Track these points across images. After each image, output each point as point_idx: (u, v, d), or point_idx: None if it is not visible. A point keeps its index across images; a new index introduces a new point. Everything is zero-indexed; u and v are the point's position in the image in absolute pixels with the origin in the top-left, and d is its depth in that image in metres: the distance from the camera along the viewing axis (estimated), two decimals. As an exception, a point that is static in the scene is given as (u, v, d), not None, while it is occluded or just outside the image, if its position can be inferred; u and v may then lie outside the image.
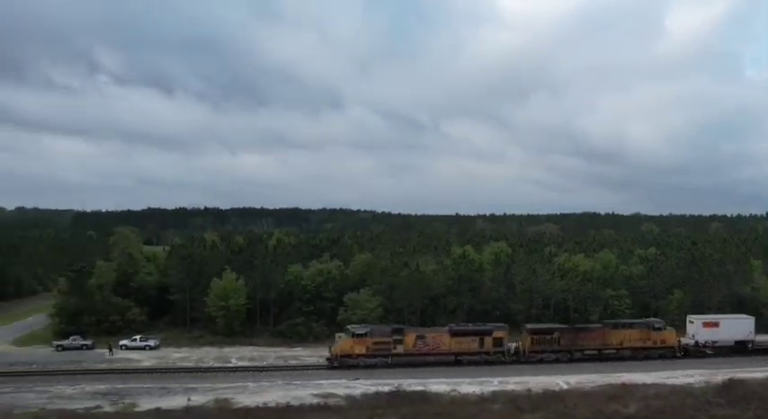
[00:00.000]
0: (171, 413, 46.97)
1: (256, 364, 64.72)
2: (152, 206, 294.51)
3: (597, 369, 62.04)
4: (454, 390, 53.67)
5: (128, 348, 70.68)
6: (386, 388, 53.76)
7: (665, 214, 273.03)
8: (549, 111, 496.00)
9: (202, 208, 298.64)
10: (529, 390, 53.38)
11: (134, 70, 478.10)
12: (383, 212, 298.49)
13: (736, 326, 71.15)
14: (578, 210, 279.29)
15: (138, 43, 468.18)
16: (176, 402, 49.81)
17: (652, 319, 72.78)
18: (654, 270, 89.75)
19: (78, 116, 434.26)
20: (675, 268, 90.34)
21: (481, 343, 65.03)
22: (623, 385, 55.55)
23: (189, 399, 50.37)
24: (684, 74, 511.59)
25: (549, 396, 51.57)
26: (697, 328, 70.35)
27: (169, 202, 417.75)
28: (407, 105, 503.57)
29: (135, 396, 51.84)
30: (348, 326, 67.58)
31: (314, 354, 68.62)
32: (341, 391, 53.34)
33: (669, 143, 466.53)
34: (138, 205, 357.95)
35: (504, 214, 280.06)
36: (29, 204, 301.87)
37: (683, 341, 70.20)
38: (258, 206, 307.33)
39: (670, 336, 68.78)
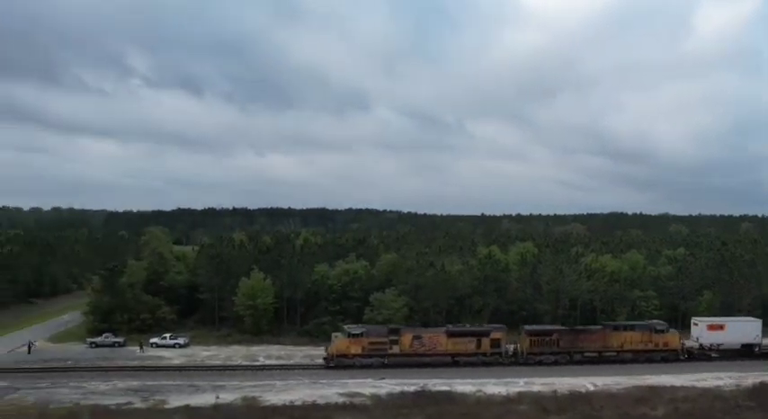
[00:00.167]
0: (200, 410, 47.37)
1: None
2: (182, 206, 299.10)
3: (625, 371, 61.06)
4: (480, 391, 53.30)
5: (158, 346, 71.57)
6: (411, 388, 53.62)
7: (694, 214, 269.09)
8: (574, 111, 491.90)
9: (231, 208, 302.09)
10: (555, 392, 52.78)
11: (164, 73, 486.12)
12: (409, 212, 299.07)
13: (743, 329, 69.11)
14: (605, 210, 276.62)
15: (168, 46, 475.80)
16: (205, 399, 50.26)
17: (654, 321, 70.75)
18: (683, 271, 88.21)
19: (111, 118, 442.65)
20: (705, 269, 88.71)
21: (478, 344, 64.11)
22: (651, 387, 54.64)
23: (217, 397, 50.81)
24: (712, 72, 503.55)
25: (576, 398, 50.95)
26: (701, 331, 68.72)
27: (198, 203, 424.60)
28: (433, 105, 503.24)
29: (165, 392, 52.46)
30: (344, 326, 67.35)
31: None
32: (367, 390, 53.33)
33: (697, 142, 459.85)
34: (168, 205, 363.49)
35: (531, 214, 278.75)
36: (64, 204, 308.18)
37: (688, 344, 68.58)
38: (285, 206, 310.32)
39: (673, 339, 66.97)
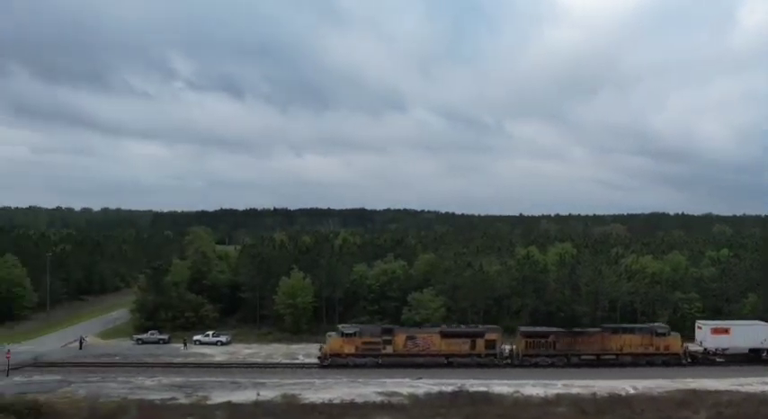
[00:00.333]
0: (241, 406, 47.99)
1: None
2: (224, 207, 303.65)
3: (666, 374, 59.57)
4: (517, 392, 52.67)
5: (201, 343, 72.84)
6: (449, 388, 53.30)
7: (738, 214, 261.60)
8: (614, 110, 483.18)
9: (272, 208, 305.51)
10: (594, 394, 51.79)
11: (206, 76, 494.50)
12: (447, 213, 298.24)
13: (749, 333, 66.31)
14: (646, 211, 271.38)
15: (209, 50, 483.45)
16: (246, 396, 50.89)
17: (656, 324, 68.64)
18: (726, 272, 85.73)
19: (156, 121, 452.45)
20: (749, 270, 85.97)
21: (473, 346, 63.10)
22: (694, 391, 53.19)
23: (258, 394, 51.43)
24: (757, 68, 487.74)
25: (615, 401, 49.94)
26: (705, 334, 66.35)
27: (240, 203, 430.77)
28: (470, 106, 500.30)
29: (208, 389, 53.32)
30: (338, 326, 67.17)
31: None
32: (404, 390, 53.25)
33: (742, 139, 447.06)
34: (211, 206, 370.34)
35: (569, 214, 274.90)
36: (112, 205, 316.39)
37: (693, 348, 66.41)
38: (325, 206, 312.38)
39: (674, 342, 64.68)
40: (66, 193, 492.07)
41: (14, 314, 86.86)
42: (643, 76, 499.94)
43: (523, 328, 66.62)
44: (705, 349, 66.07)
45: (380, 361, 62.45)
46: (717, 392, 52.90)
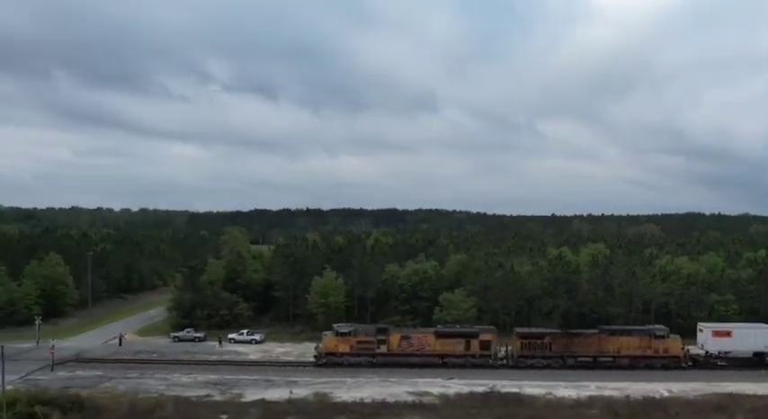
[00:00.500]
0: (274, 404, 48.39)
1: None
2: (258, 207, 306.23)
3: (702, 377, 58.22)
4: (549, 393, 52.04)
5: (235, 341, 73.62)
6: (480, 389, 52.93)
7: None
8: (648, 108, 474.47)
9: (305, 208, 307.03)
10: (628, 396, 50.84)
11: (241, 78, 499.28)
12: (478, 213, 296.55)
13: (753, 337, 63.86)
14: (681, 211, 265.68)
15: (244, 53, 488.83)
16: (279, 394, 51.31)
17: (655, 326, 66.74)
18: (764, 274, 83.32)
19: (192, 123, 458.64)
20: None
21: (467, 346, 62.31)
22: (731, 395, 51.84)
23: (291, 392, 51.80)
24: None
25: (649, 404, 48.97)
26: (706, 337, 64.16)
27: (274, 203, 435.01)
28: (503, 106, 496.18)
29: (242, 386, 53.92)
30: (334, 325, 66.94)
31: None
32: (435, 390, 53.05)
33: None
34: (245, 206, 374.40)
35: (602, 214, 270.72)
36: (150, 205, 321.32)
37: (694, 351, 64.47)
38: (357, 206, 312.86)
39: (674, 345, 62.77)
40: (106, 194, 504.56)
41: (58, 311, 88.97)
42: (677, 75, 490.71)
43: (519, 329, 65.98)
44: (707, 352, 64.27)
45: (375, 361, 62.43)
46: (754, 396, 51.50)
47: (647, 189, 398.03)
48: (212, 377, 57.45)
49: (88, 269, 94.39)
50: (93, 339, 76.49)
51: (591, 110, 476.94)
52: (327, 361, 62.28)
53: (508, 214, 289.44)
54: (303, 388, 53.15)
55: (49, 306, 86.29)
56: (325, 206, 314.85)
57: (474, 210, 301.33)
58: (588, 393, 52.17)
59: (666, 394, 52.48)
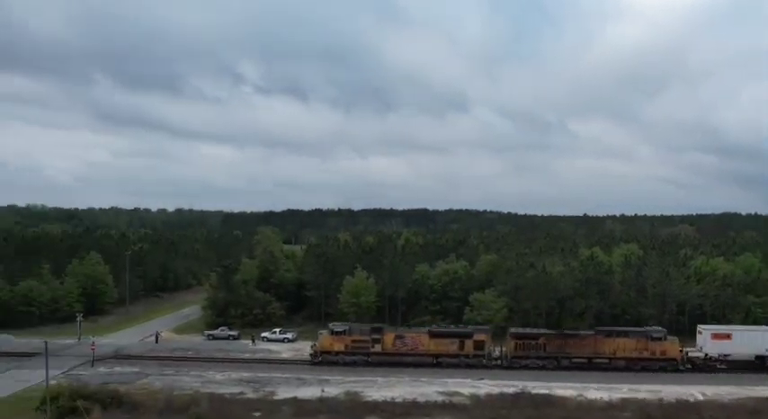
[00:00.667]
0: (306, 402, 48.82)
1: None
2: (291, 207, 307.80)
3: (738, 380, 56.93)
4: (581, 395, 51.46)
5: (268, 340, 74.37)
6: (510, 390, 52.61)
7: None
8: (682, 106, 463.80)
9: (336, 209, 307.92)
10: (661, 399, 50.00)
11: (272, 80, 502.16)
12: (509, 213, 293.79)
13: (753, 339, 62.00)
14: (716, 211, 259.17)
15: (275, 54, 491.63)
16: (311, 392, 51.75)
17: (652, 328, 65.34)
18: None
19: (226, 125, 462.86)
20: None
21: (461, 346, 62.13)
22: (767, 399, 50.57)
23: (322, 390, 52.18)
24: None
25: (683, 407, 48.09)
26: (705, 340, 62.49)
27: (306, 204, 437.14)
28: (533, 105, 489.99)
29: (274, 384, 54.53)
30: (329, 324, 67.17)
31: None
32: (466, 390, 52.90)
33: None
34: (278, 206, 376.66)
35: (635, 214, 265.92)
36: (186, 206, 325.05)
37: (694, 353, 62.85)
38: (387, 207, 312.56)
39: (671, 347, 61.48)
40: (143, 195, 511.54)
41: (97, 308, 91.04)
42: (711, 71, 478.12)
43: (513, 330, 65.57)
44: (706, 355, 62.78)
45: (369, 360, 62.68)
46: (793, 400, 50.20)
47: (681, 188, 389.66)
48: (245, 374, 58.24)
49: (126, 268, 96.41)
50: (130, 336, 78.12)
51: (623, 108, 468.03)
52: (323, 360, 62.92)
53: (539, 214, 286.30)
54: (334, 387, 53.52)
55: (89, 303, 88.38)
56: (356, 206, 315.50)
57: (505, 210, 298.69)
58: (620, 395, 51.47)
59: (701, 397, 51.48)
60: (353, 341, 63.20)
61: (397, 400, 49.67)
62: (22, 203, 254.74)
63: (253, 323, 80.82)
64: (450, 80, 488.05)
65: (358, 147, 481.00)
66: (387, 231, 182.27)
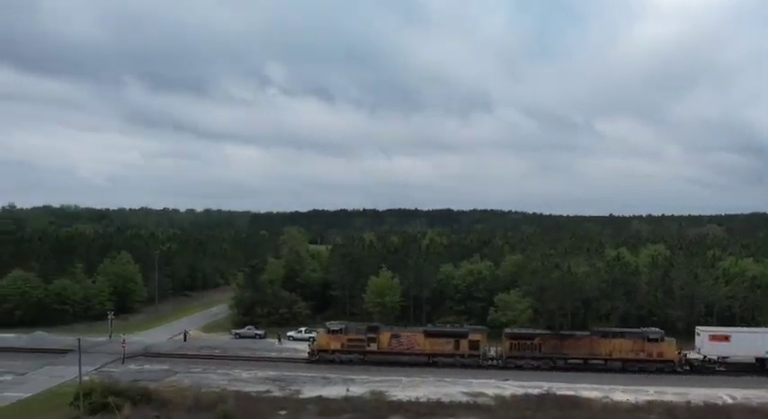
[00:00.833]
0: (331, 401, 48.98)
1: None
2: (316, 207, 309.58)
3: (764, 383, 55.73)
4: (606, 397, 50.82)
5: (294, 339, 74.78)
6: (535, 391, 52.20)
7: None
8: (710, 105, 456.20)
9: (361, 209, 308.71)
10: (688, 402, 49.12)
11: (298, 81, 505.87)
12: (534, 213, 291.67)
13: (753, 342, 60.39)
14: (746, 211, 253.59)
15: (300, 55, 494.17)
16: (336, 391, 51.94)
17: (649, 329, 64.17)
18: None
19: (253, 126, 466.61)
20: None
21: (456, 346, 62.05)
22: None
23: (347, 390, 52.33)
24: None
25: (711, 410, 47.19)
26: (702, 341, 61.13)
27: (331, 204, 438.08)
28: (559, 104, 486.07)
29: (300, 383, 54.84)
30: (326, 323, 67.39)
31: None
32: (490, 391, 52.61)
33: None
34: (304, 206, 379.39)
35: (663, 215, 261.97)
36: (214, 206, 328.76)
37: (692, 355, 61.59)
38: (412, 207, 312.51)
39: (668, 349, 60.43)
40: (172, 195, 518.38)
41: (128, 307, 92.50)
42: (741, 70, 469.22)
43: (508, 330, 65.37)
44: (704, 357, 61.60)
45: (366, 359, 62.87)
46: (825, 405, 48.95)
47: (710, 188, 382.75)
48: (271, 373, 58.70)
49: (155, 267, 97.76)
50: (159, 334, 79.24)
51: (650, 107, 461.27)
52: (320, 358, 63.39)
53: (565, 214, 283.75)
54: (359, 386, 53.64)
55: (119, 302, 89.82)
56: (381, 206, 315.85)
57: (530, 211, 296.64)
58: (647, 398, 50.72)
59: (729, 400, 50.49)
60: (350, 340, 63.65)
61: (421, 400, 49.56)
62: (56, 204, 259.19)
63: (279, 322, 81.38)
64: (475, 80, 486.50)
65: (383, 148, 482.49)
66: (411, 231, 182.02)
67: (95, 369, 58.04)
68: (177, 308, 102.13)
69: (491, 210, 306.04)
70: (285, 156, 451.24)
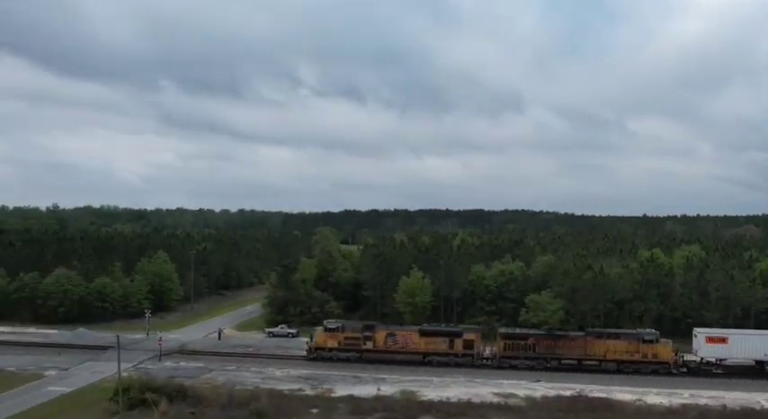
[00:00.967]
0: (363, 400, 49.08)
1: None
2: (348, 208, 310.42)
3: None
4: (640, 400, 49.94)
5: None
6: (567, 393, 51.60)
7: None
8: (747, 103, 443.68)
9: (392, 209, 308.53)
10: (724, 407, 47.97)
11: (329, 82, 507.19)
12: (566, 213, 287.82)
13: (751, 344, 58.57)
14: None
15: (331, 57, 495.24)
16: (367, 390, 52.06)
17: (644, 330, 62.80)
18: None
19: (285, 127, 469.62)
20: None
21: (451, 345, 62.02)
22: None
23: (378, 389, 52.40)
24: None
25: (748, 415, 46.08)
26: (699, 343, 59.52)
27: (363, 204, 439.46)
28: (590, 103, 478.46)
29: (332, 382, 55.15)
30: (324, 321, 67.55)
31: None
32: (521, 392, 52.15)
33: None
34: (336, 207, 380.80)
35: (697, 215, 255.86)
36: (248, 206, 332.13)
37: (690, 357, 60.02)
38: (443, 207, 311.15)
39: (664, 350, 59.19)
40: (207, 196, 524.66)
41: (164, 305, 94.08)
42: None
43: (503, 330, 65.17)
44: (701, 359, 60.06)
45: (362, 357, 63.11)
46: None
47: (746, 188, 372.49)
48: (304, 371, 59.15)
49: (191, 267, 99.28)
50: (194, 332, 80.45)
51: (685, 106, 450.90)
52: (317, 356, 63.81)
53: (597, 214, 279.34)
54: (390, 386, 53.68)
55: (156, 300, 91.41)
56: (412, 206, 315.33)
57: (561, 211, 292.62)
58: (681, 401, 49.74)
59: (767, 405, 49.11)
60: (346, 338, 64.15)
61: (452, 400, 49.38)
62: (96, 204, 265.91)
63: (311, 321, 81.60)
64: (505, 79, 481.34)
65: (413, 148, 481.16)
66: (442, 231, 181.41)
67: (133, 366, 59.24)
68: (212, 307, 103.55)
69: (522, 211, 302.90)
70: (317, 157, 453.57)
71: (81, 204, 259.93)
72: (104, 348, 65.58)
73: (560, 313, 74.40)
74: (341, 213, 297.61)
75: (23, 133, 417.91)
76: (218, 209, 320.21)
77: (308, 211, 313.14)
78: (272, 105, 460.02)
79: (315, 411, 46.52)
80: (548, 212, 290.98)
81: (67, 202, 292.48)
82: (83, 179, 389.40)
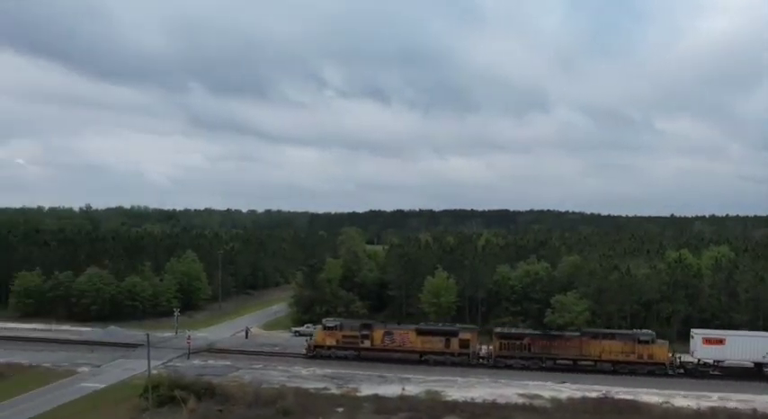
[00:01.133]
0: (387, 400, 49.08)
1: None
2: (373, 208, 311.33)
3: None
4: (667, 402, 49.13)
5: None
6: (593, 394, 51.00)
7: None
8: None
9: (417, 209, 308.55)
10: (754, 410, 46.95)
11: (354, 83, 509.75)
12: (592, 213, 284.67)
13: (750, 345, 57.01)
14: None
15: (356, 58, 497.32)
16: (392, 390, 52.05)
17: (640, 331, 61.76)
18: None
19: (311, 128, 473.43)
20: None
21: (447, 344, 62.10)
22: None
23: (403, 389, 52.37)
24: None
25: (780, 419, 45.00)
26: (696, 344, 58.17)
27: (388, 205, 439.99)
28: (617, 103, 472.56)
29: (357, 381, 55.26)
30: (323, 319, 67.80)
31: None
32: (546, 393, 51.67)
33: None
34: (361, 207, 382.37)
35: (726, 215, 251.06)
36: (274, 207, 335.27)
37: (687, 358, 58.85)
38: (468, 207, 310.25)
39: (660, 351, 58.19)
40: (234, 196, 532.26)
41: (192, 304, 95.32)
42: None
43: (498, 329, 65.02)
44: (698, 360, 58.82)
45: (360, 355, 63.35)
46: None
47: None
48: (329, 371, 59.36)
49: (219, 266, 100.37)
50: (222, 331, 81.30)
51: (713, 104, 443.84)
52: (316, 354, 64.23)
53: (623, 214, 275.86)
54: (415, 386, 53.61)
55: (185, 299, 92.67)
56: (437, 207, 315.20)
57: (587, 211, 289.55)
58: (709, 404, 48.79)
59: (800, 409, 47.92)
60: (344, 336, 64.54)
61: (476, 401, 49.15)
62: (127, 205, 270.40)
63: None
64: (530, 79, 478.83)
65: (437, 148, 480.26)
66: (467, 232, 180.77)
67: (163, 364, 60.08)
68: (239, 306, 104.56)
69: (548, 211, 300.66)
70: (342, 158, 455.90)
71: (112, 205, 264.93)
72: (135, 346, 66.67)
73: (586, 314, 73.58)
74: (366, 213, 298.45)
75: (58, 136, 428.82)
76: (245, 210, 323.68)
77: (333, 212, 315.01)
78: (298, 106, 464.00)
79: (340, 410, 46.65)
80: (574, 212, 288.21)
81: (100, 203, 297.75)
82: (114, 180, 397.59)
